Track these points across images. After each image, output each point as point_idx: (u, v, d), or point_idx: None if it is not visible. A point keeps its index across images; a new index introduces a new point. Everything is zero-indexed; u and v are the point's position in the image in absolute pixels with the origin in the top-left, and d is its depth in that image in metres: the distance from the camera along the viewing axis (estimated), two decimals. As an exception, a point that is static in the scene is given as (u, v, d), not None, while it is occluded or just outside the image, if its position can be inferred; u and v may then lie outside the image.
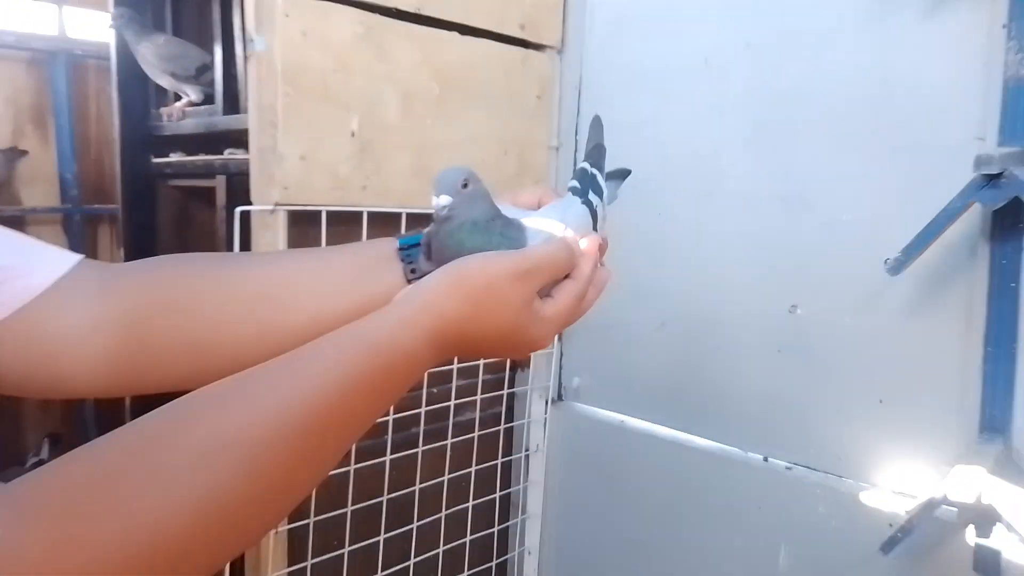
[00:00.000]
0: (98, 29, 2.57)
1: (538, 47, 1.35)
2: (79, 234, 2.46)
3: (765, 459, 1.18)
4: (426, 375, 1.27)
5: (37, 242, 0.52)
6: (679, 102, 1.25)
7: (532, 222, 0.56)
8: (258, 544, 0.42)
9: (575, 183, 0.63)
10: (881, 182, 1.02)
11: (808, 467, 1.13)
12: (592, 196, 0.61)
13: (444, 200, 0.52)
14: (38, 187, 2.42)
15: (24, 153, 2.38)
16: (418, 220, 1.15)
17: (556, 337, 1.44)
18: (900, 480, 1.03)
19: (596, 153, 0.65)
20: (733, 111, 1.18)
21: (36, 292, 0.48)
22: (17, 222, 2.32)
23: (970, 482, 0.83)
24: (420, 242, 0.58)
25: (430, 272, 0.49)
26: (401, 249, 0.58)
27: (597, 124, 0.67)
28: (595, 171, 0.63)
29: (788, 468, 1.15)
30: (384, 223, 1.14)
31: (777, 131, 1.13)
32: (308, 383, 0.38)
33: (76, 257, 0.52)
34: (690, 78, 1.23)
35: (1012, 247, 0.88)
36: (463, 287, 0.46)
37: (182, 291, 0.52)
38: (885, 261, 0.92)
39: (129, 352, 0.50)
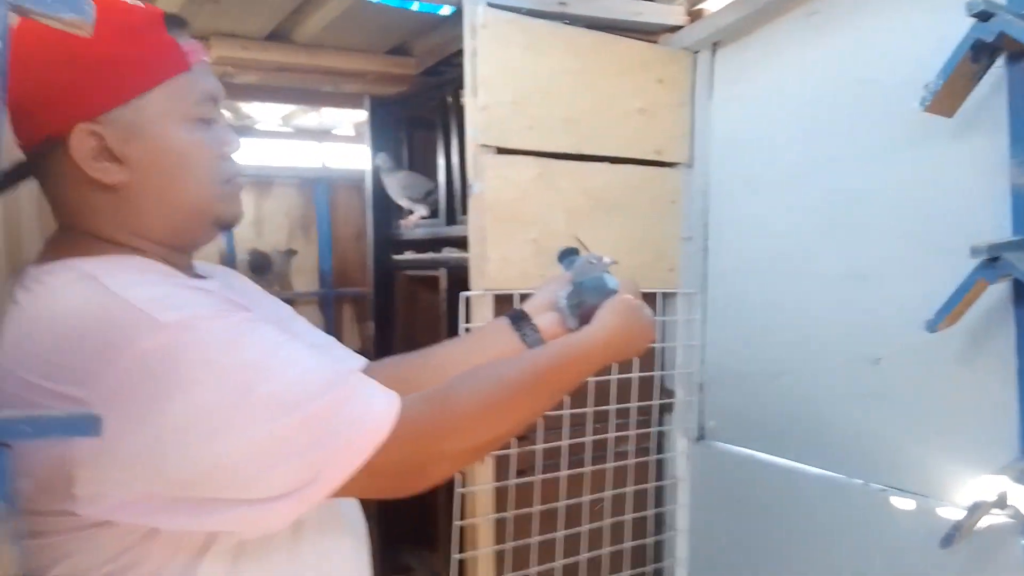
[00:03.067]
0: (346, 160, 3.43)
1: (671, 165, 1.79)
2: (330, 311, 3.22)
3: (865, 484, 1.46)
4: (590, 414, 1.70)
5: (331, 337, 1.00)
6: (778, 203, 1.62)
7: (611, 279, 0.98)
8: (515, 434, 0.82)
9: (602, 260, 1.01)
10: (926, 262, 1.32)
11: (898, 489, 1.40)
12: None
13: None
14: (304, 276, 3.23)
15: (295, 253, 3.20)
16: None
17: (698, 387, 1.82)
18: (965, 494, 1.28)
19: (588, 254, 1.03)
20: (815, 210, 1.53)
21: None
22: (290, 303, 3.11)
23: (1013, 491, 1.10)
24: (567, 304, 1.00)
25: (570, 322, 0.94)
26: (511, 322, 1.00)
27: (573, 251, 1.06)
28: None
29: (883, 490, 1.43)
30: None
31: (850, 223, 1.46)
32: (541, 358, 0.83)
33: (363, 360, 1.00)
34: (787, 185, 1.60)
35: (1029, 310, 1.15)
36: (613, 308, 0.90)
37: (405, 370, 0.99)
38: (925, 322, 1.23)
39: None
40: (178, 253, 0.77)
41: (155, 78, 0.70)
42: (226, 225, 0.78)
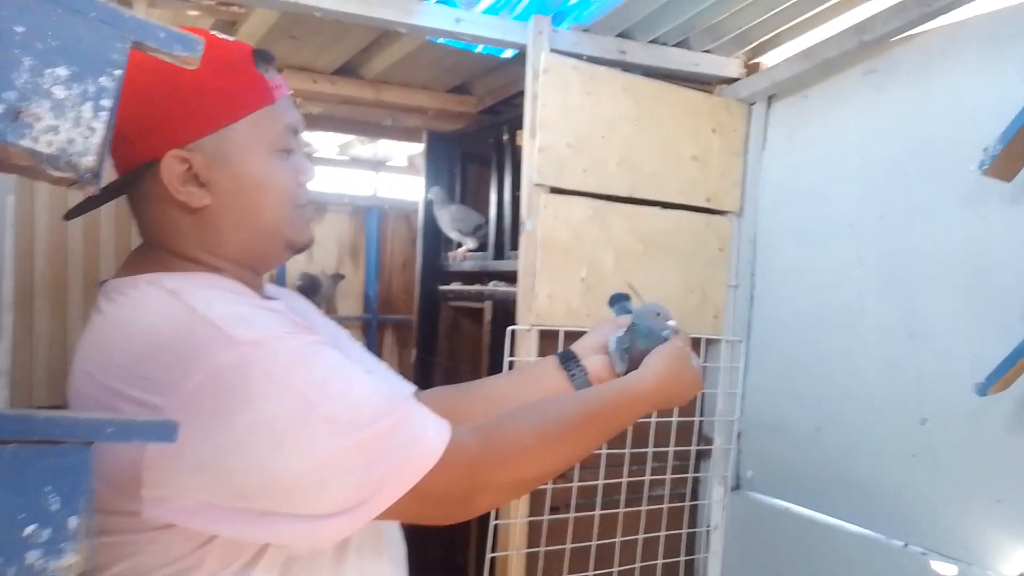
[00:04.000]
0: (397, 190, 3.53)
1: (720, 213, 1.82)
2: (372, 335, 3.28)
3: (905, 545, 1.44)
4: (627, 455, 1.71)
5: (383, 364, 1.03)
6: (829, 256, 1.63)
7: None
8: (565, 469, 0.84)
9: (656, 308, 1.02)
10: (980, 324, 1.32)
11: (939, 553, 1.37)
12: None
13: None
14: (349, 301, 3.31)
15: (343, 277, 3.28)
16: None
17: (736, 435, 1.81)
18: (1010, 564, 1.25)
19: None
20: (869, 265, 1.53)
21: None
22: (334, 326, 3.19)
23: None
24: (619, 347, 1.03)
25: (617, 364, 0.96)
26: (559, 362, 1.02)
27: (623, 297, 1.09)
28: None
29: (923, 554, 1.40)
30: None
31: (902, 281, 1.47)
32: (592, 398, 0.86)
33: (413, 387, 1.03)
34: (839, 238, 1.61)
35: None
36: (664, 355, 0.92)
37: (453, 400, 1.01)
38: (974, 385, 1.22)
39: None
40: (251, 273, 0.81)
41: (243, 110, 0.75)
42: (298, 248, 0.82)
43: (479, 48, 1.80)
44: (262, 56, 0.77)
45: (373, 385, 0.71)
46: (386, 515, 0.68)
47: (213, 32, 0.78)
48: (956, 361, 1.36)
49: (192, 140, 0.73)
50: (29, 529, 0.41)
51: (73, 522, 0.42)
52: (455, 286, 2.34)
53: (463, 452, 0.71)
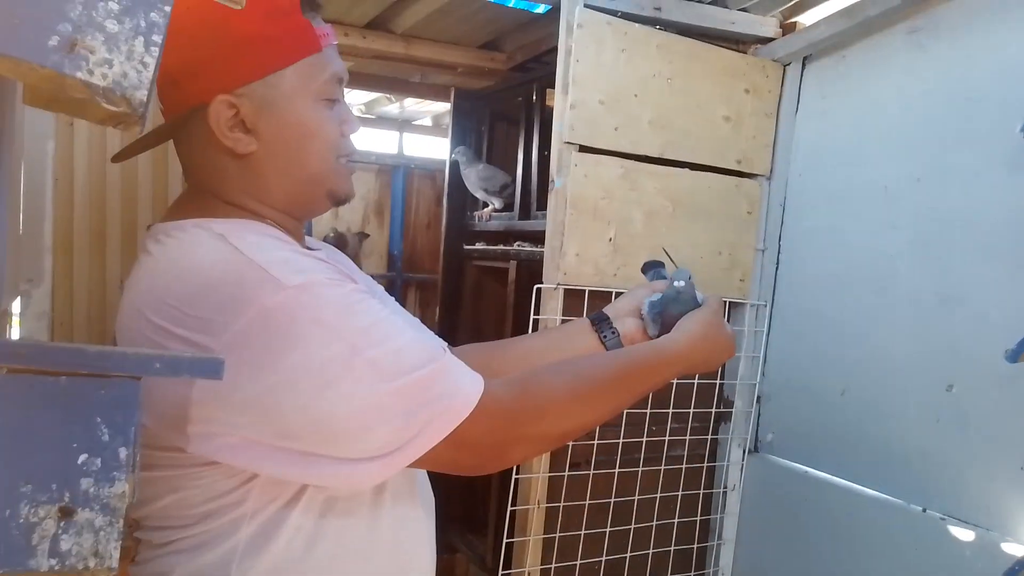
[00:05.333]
0: (422, 149, 3.52)
1: (751, 176, 1.79)
2: (397, 294, 3.30)
3: (924, 510, 1.44)
4: (648, 415, 1.73)
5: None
6: (861, 219, 1.61)
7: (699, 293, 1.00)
8: (597, 425, 0.85)
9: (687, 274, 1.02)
10: (1018, 288, 1.30)
11: (958, 519, 1.38)
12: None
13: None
14: (374, 259, 3.33)
15: (367, 236, 3.30)
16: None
17: (755, 399, 1.82)
18: (1031, 532, 1.26)
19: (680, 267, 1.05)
20: (903, 227, 1.51)
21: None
22: (359, 284, 3.22)
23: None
24: (654, 309, 1.03)
25: (652, 325, 0.97)
26: (592, 323, 1.03)
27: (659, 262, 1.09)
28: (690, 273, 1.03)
29: (942, 519, 1.41)
30: (626, 300, 1.64)
31: (938, 244, 1.45)
32: (625, 357, 0.87)
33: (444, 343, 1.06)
34: (871, 201, 1.59)
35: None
36: (698, 319, 0.93)
37: (486, 357, 1.03)
38: (1005, 351, 1.21)
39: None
40: (294, 221, 0.82)
41: (291, 57, 0.75)
42: (339, 200, 0.83)
43: (512, 2, 1.78)
44: (310, 4, 0.77)
45: (413, 334, 0.72)
46: (422, 462, 0.70)
47: None
48: (989, 327, 1.35)
49: (241, 85, 0.74)
50: (82, 457, 0.43)
51: (123, 453, 0.44)
52: (480, 246, 2.34)
53: (498, 403, 0.73)
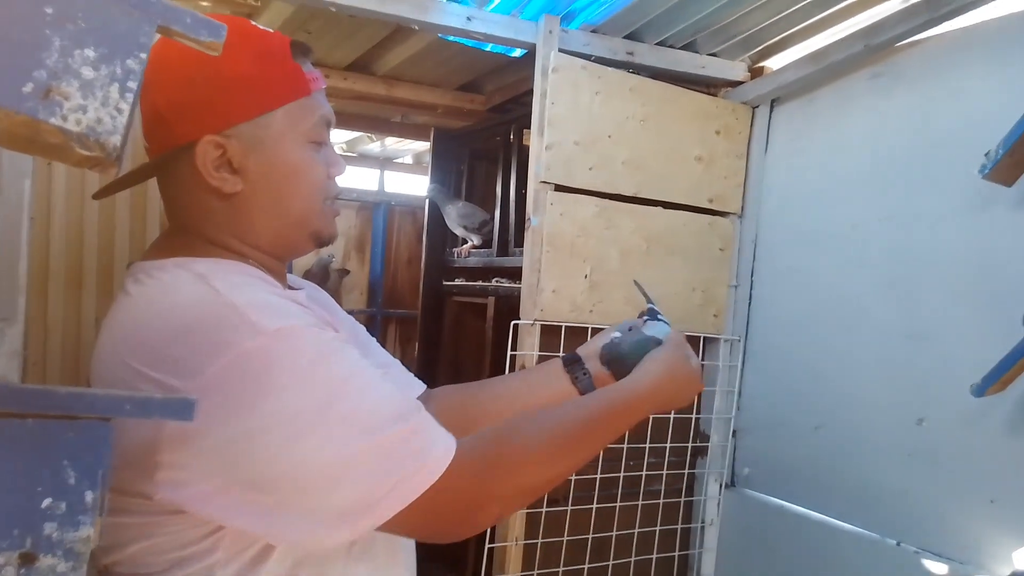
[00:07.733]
0: (403, 186, 3.56)
1: (723, 214, 1.83)
2: (377, 330, 3.30)
3: (897, 544, 1.45)
4: (625, 450, 1.73)
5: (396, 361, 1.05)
6: (830, 257, 1.64)
7: (661, 329, 1.02)
8: (568, 476, 0.83)
9: (654, 311, 1.05)
10: (979, 327, 1.33)
11: (932, 552, 1.39)
12: (663, 317, 1.05)
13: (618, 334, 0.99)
14: (354, 295, 3.33)
15: (347, 272, 3.30)
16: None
17: (731, 433, 1.83)
18: (1003, 564, 1.27)
19: (651, 303, 1.08)
20: (871, 266, 1.55)
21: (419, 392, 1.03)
22: (339, 320, 3.22)
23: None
24: (608, 350, 1.04)
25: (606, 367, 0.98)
26: (564, 365, 1.03)
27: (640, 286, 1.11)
28: (656, 309, 1.06)
29: (916, 552, 1.42)
30: (603, 336, 1.66)
31: (904, 283, 1.48)
32: (594, 404, 0.86)
33: (423, 385, 1.05)
34: (840, 239, 1.62)
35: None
36: (657, 358, 0.93)
37: (463, 397, 1.04)
38: (971, 386, 1.23)
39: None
40: (276, 262, 0.82)
41: (280, 100, 0.76)
42: (323, 241, 0.83)
43: (489, 46, 1.82)
44: (300, 48, 0.79)
45: (389, 389, 0.71)
46: (391, 525, 0.68)
47: (252, 23, 0.80)
48: (955, 363, 1.38)
49: (229, 126, 0.74)
50: (46, 501, 0.42)
51: (89, 496, 0.43)
52: (459, 282, 2.36)
53: (468, 463, 0.71)
